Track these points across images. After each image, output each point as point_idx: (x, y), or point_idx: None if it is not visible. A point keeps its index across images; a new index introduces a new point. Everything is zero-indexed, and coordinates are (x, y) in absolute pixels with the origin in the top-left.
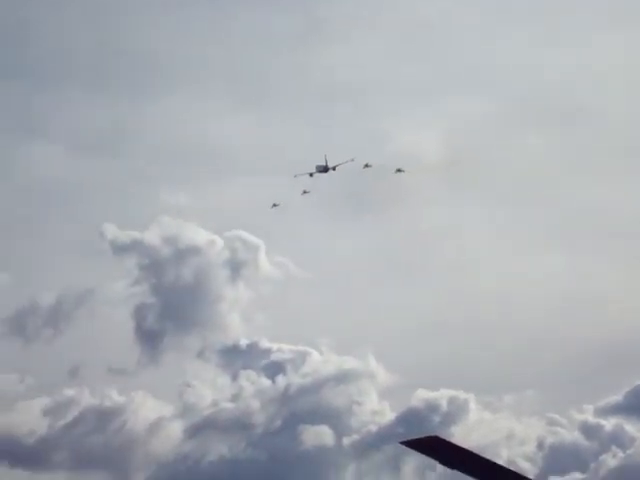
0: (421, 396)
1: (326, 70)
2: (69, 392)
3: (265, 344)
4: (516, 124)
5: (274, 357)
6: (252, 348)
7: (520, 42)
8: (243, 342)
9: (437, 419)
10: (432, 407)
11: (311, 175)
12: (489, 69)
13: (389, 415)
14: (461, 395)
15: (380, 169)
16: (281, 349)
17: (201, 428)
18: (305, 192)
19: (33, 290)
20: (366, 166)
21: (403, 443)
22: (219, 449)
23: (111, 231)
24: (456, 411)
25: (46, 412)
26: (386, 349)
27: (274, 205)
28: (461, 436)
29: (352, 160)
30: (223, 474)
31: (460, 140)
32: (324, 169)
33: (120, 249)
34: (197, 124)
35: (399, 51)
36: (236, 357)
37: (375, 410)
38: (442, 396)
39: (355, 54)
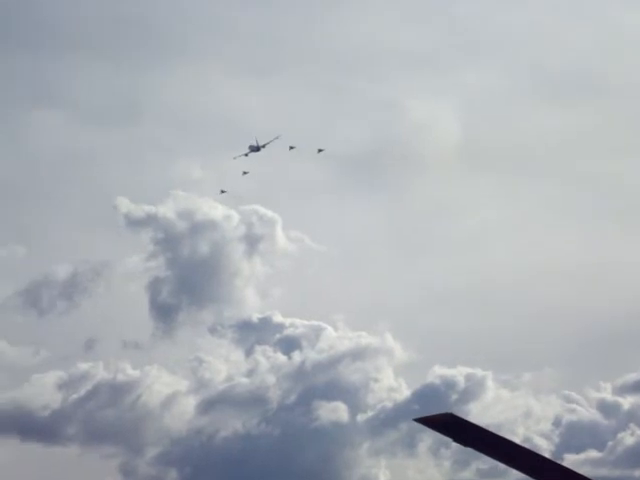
0: (438, 373)
1: (338, 39)
2: (83, 366)
3: (278, 319)
4: (529, 95)
5: (287, 332)
6: (265, 323)
7: (538, 13)
8: (256, 317)
9: (454, 396)
10: (449, 384)
11: (246, 155)
12: (506, 40)
13: (405, 392)
14: (478, 372)
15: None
16: (294, 324)
17: (215, 403)
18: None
19: (48, 263)
20: (291, 148)
21: (417, 420)
22: (233, 424)
23: (124, 205)
24: (473, 388)
25: (60, 386)
26: (402, 325)
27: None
28: (478, 414)
29: (277, 138)
30: (237, 449)
31: (474, 113)
32: (256, 148)
33: (134, 223)
34: (212, 94)
35: (413, 20)
36: (250, 332)
37: (391, 387)
38: (459, 373)
39: (369, 23)
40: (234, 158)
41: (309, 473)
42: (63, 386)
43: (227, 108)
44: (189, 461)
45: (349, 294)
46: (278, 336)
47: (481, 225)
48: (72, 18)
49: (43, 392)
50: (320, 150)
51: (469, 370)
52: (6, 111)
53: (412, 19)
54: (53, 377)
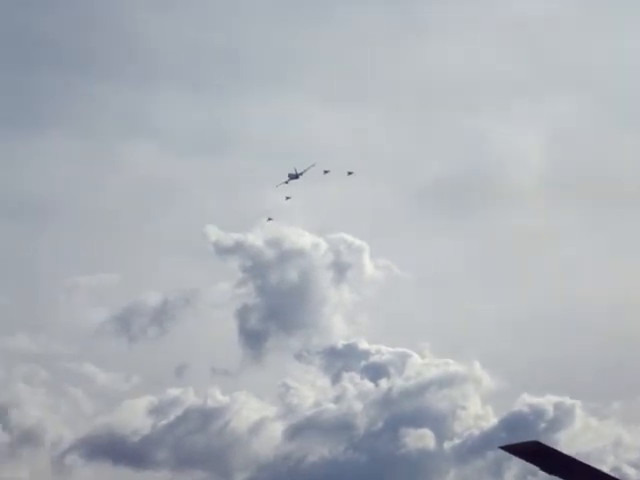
0: (526, 401)
1: (422, 68)
2: (174, 391)
3: (364, 345)
4: (616, 125)
5: (373, 359)
6: (351, 350)
7: (621, 40)
8: (341, 343)
9: (542, 425)
10: (537, 412)
11: (287, 182)
12: (589, 68)
13: (492, 420)
14: (567, 401)
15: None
16: (380, 351)
17: (302, 429)
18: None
19: (140, 290)
20: (325, 172)
21: (503, 448)
22: (320, 450)
23: (214, 233)
24: (562, 417)
25: (151, 411)
26: (490, 353)
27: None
28: (566, 442)
29: (313, 165)
30: (323, 475)
31: (560, 142)
32: (295, 176)
33: (223, 251)
34: (299, 123)
35: (497, 48)
36: (336, 358)
37: (478, 414)
38: (547, 402)
39: (452, 52)
40: (276, 186)
41: None
42: (154, 411)
43: (314, 137)
44: None
45: (435, 321)
46: (364, 363)
47: (569, 253)
48: (163, 49)
49: (134, 417)
50: (350, 173)
51: (557, 399)
52: (97, 142)
53: (498, 48)
54: (144, 402)
